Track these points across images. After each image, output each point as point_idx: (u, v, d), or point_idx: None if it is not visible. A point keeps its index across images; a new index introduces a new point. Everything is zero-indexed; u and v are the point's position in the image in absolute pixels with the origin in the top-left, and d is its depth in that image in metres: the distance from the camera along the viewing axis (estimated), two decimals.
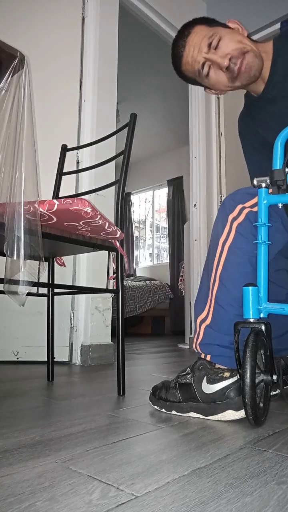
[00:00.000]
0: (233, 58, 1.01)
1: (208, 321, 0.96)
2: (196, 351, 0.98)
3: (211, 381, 0.90)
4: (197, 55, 1.05)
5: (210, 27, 1.05)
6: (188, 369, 0.97)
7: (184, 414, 0.92)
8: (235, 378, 0.89)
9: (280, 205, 0.87)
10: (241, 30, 1.07)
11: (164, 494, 0.51)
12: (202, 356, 0.95)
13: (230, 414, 0.86)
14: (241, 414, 0.86)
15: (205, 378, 0.91)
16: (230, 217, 0.95)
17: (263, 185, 0.88)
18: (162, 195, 6.20)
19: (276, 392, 1.06)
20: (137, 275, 6.06)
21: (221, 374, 0.90)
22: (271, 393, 1.05)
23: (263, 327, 0.81)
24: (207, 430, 0.81)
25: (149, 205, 6.45)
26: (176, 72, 1.15)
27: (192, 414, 0.91)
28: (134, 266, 6.19)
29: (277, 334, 1.01)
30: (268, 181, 0.87)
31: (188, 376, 0.95)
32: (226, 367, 0.91)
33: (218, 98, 3.15)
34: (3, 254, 0.87)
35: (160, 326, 5.30)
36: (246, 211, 0.94)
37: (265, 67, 1.06)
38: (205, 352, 0.95)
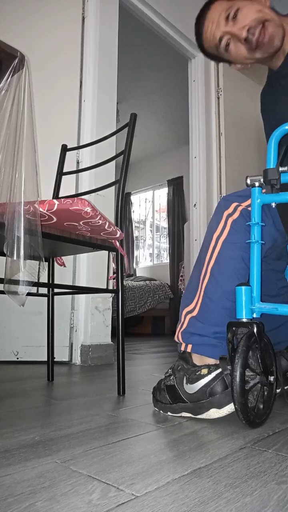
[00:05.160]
0: (251, 28, 1.01)
1: (194, 313, 0.96)
2: (177, 341, 0.97)
3: (190, 381, 0.89)
4: (215, 30, 1.06)
5: (229, 1, 1.05)
6: (170, 370, 0.97)
7: (178, 415, 0.92)
8: (213, 374, 0.87)
9: (273, 205, 0.86)
10: (264, 0, 1.06)
11: (164, 494, 0.51)
12: (183, 347, 0.95)
13: (214, 413, 0.86)
14: (224, 411, 0.85)
15: (184, 378, 0.91)
16: (225, 213, 0.95)
17: (257, 184, 0.87)
18: (162, 195, 6.20)
19: (278, 390, 1.06)
20: (137, 275, 6.05)
21: (199, 372, 0.89)
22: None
23: (255, 328, 0.80)
24: (206, 430, 0.81)
25: (149, 205, 6.45)
26: (201, 50, 1.16)
27: (184, 414, 0.91)
28: (134, 266, 6.19)
29: (272, 326, 1.00)
30: (262, 180, 0.86)
31: (171, 378, 0.95)
32: (202, 364, 0.90)
33: (218, 98, 3.15)
34: (3, 254, 0.87)
35: (160, 326, 5.30)
36: (240, 208, 0.94)
37: (287, 41, 1.05)
38: (186, 342, 0.94)
